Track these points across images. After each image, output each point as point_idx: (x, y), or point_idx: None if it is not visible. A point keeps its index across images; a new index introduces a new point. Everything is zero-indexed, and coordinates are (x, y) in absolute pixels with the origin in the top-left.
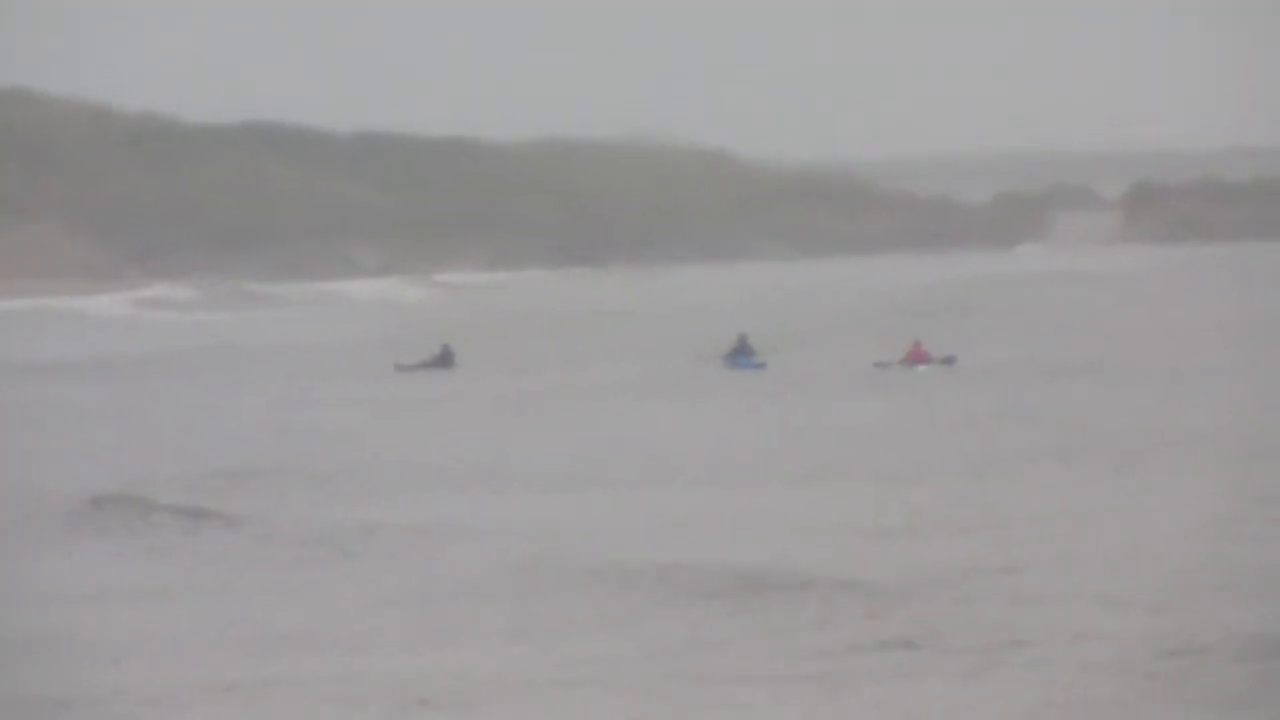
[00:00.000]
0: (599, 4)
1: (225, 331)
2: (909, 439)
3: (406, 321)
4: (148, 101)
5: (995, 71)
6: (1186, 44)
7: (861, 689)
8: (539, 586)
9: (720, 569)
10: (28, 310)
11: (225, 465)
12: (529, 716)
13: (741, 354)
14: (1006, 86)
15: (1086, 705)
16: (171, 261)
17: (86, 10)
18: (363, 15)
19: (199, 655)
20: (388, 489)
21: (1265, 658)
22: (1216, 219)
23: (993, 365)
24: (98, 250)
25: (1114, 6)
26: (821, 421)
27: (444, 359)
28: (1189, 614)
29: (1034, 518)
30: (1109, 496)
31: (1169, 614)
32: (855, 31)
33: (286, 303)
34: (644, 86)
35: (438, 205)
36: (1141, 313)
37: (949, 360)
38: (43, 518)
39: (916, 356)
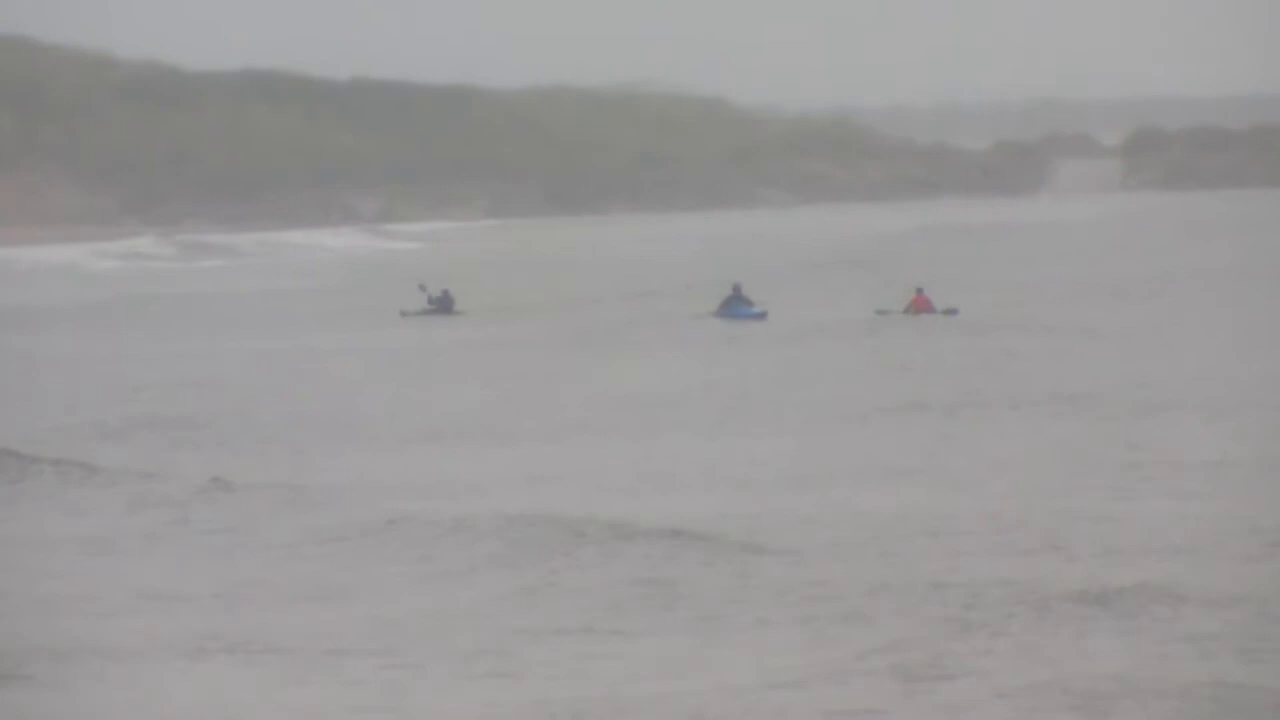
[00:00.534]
0: None
1: (185, 280)
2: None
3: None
4: (145, 49)
5: (994, 19)
6: None
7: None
8: (383, 543)
9: (573, 521)
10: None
11: (126, 417)
12: (357, 671)
13: (737, 304)
14: (1005, 34)
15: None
16: (168, 210)
17: None
18: None
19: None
20: (280, 441)
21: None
22: (1216, 166)
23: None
24: (95, 197)
25: None
26: (816, 368)
27: (444, 304)
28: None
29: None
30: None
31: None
32: None
33: (248, 252)
34: (641, 34)
35: (435, 152)
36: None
37: (951, 312)
38: None
39: (920, 305)
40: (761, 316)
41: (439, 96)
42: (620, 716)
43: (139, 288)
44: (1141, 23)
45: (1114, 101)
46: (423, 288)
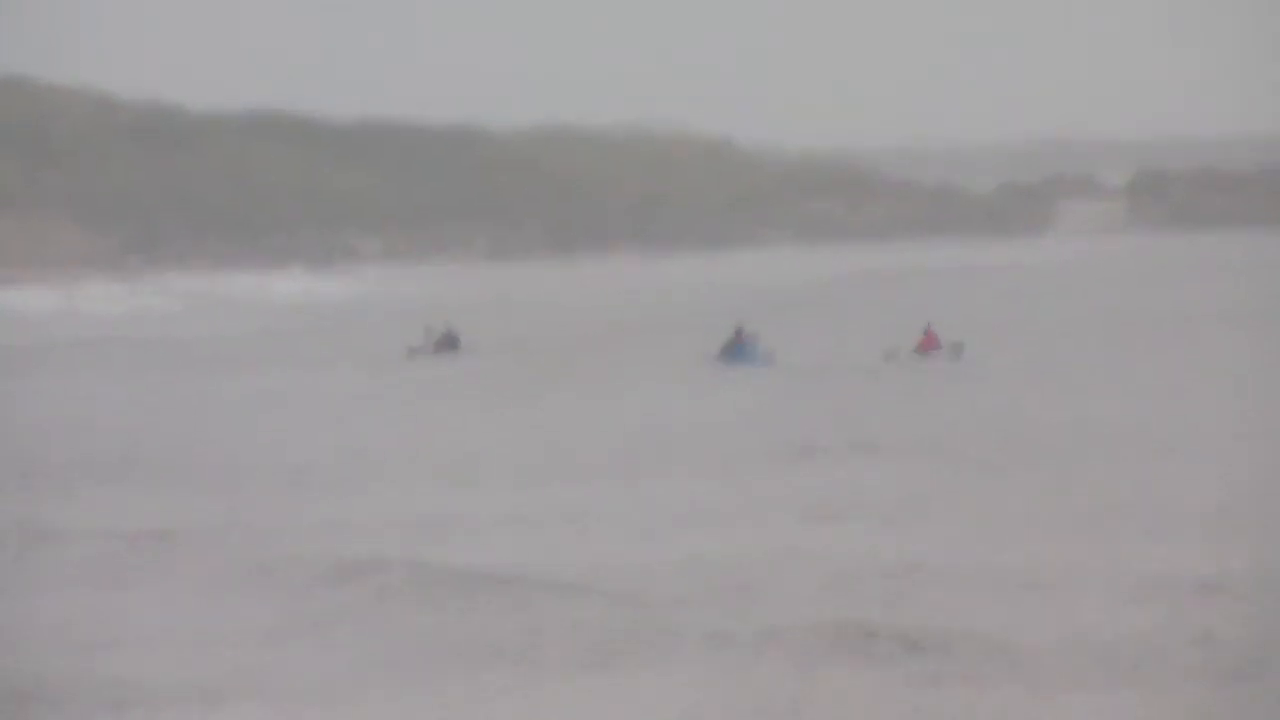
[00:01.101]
0: None
1: (160, 324)
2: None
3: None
4: (149, 90)
5: (999, 60)
6: (1190, 32)
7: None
8: (251, 588)
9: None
10: None
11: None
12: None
13: (739, 347)
14: (1010, 75)
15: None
16: (171, 250)
17: None
18: (365, 3)
19: None
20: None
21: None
22: (1221, 207)
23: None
24: (97, 238)
25: None
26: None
27: (449, 342)
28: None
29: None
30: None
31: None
32: (858, 19)
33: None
34: (646, 74)
35: (439, 193)
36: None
37: (957, 347)
38: None
39: (928, 344)
40: (767, 364)
41: (442, 137)
42: None
43: (132, 330)
44: (1146, 65)
45: (1118, 143)
46: (429, 330)
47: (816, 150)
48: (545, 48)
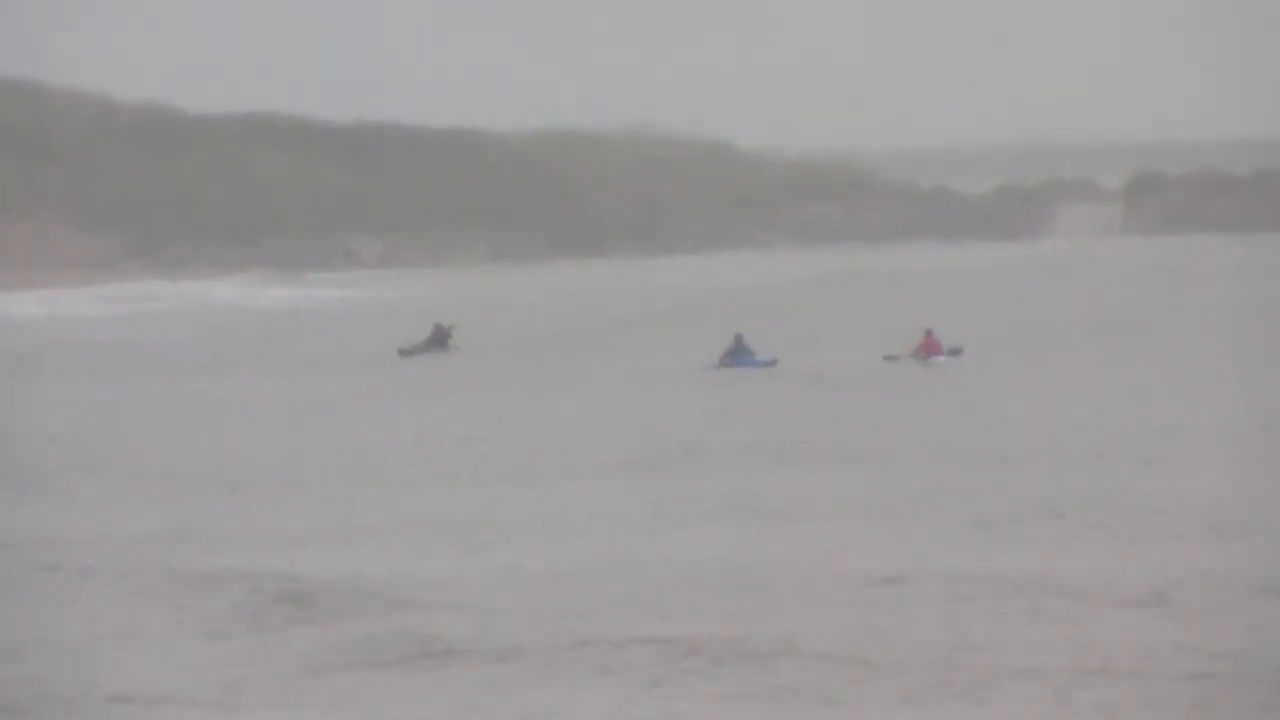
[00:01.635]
0: None
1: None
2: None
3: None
4: (147, 92)
5: (995, 62)
6: (1187, 34)
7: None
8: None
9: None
10: None
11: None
12: None
13: (741, 354)
14: (1006, 78)
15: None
16: (170, 253)
17: (86, 1)
18: (363, 5)
19: None
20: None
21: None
22: (1218, 210)
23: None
24: (97, 241)
25: None
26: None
27: (439, 341)
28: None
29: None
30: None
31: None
32: (854, 22)
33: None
34: (645, 78)
35: (437, 196)
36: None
37: (955, 351)
38: None
39: (929, 348)
40: (771, 364)
41: (442, 140)
42: None
43: (134, 333)
44: (1142, 68)
45: (1115, 145)
46: (438, 328)
47: (816, 153)
48: (544, 50)
